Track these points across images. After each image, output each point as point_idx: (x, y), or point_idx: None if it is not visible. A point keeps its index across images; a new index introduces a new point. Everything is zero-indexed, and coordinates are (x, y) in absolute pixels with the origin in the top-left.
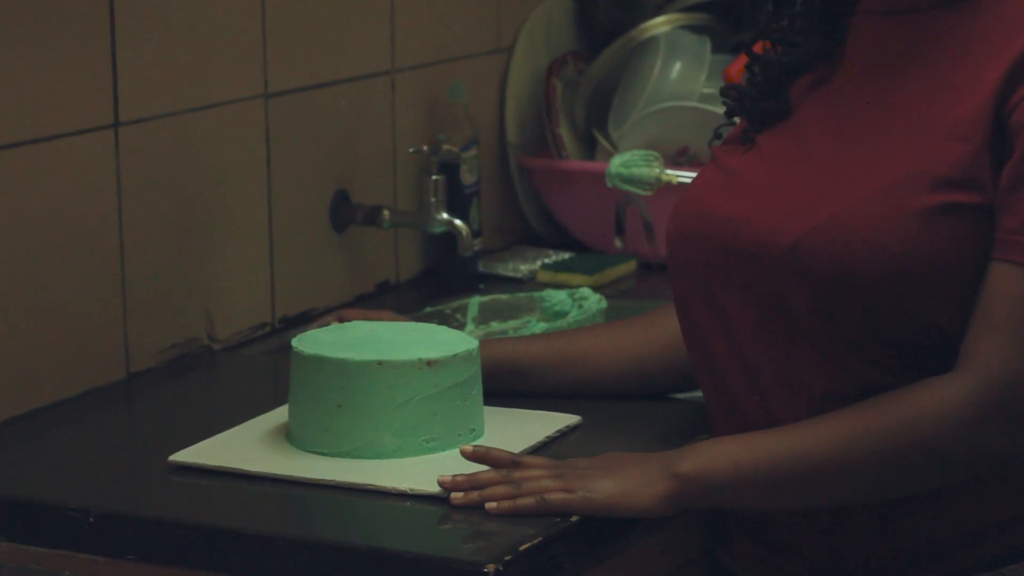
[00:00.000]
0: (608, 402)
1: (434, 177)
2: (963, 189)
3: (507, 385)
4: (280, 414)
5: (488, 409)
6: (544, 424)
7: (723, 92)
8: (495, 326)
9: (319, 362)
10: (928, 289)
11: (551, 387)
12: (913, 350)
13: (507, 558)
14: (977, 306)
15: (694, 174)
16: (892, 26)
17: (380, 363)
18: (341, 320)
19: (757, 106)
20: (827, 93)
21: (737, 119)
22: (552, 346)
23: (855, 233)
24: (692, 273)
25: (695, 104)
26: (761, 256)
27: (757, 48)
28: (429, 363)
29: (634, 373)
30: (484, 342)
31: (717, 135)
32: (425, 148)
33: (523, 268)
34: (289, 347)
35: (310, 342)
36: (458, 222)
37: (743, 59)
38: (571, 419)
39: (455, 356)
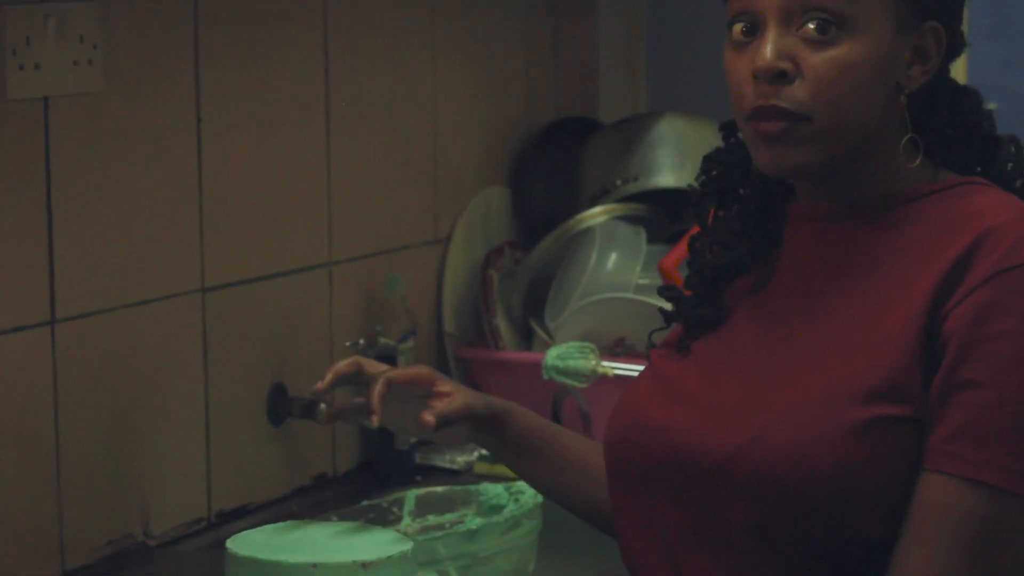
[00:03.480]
0: None
1: None
2: (894, 402)
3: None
4: None
5: None
6: None
7: (661, 292)
8: (432, 519)
9: (253, 564)
10: (861, 501)
11: (548, 477)
12: (846, 560)
13: None
14: (908, 517)
15: (630, 366)
16: (824, 233)
17: (315, 566)
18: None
19: (693, 312)
20: (761, 300)
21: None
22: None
23: (787, 447)
24: (627, 480)
25: (631, 295)
26: (694, 467)
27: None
28: (364, 565)
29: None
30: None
31: (651, 344)
32: (362, 341)
33: (460, 459)
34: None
35: (244, 543)
36: None
37: (678, 250)
38: None
39: (389, 558)
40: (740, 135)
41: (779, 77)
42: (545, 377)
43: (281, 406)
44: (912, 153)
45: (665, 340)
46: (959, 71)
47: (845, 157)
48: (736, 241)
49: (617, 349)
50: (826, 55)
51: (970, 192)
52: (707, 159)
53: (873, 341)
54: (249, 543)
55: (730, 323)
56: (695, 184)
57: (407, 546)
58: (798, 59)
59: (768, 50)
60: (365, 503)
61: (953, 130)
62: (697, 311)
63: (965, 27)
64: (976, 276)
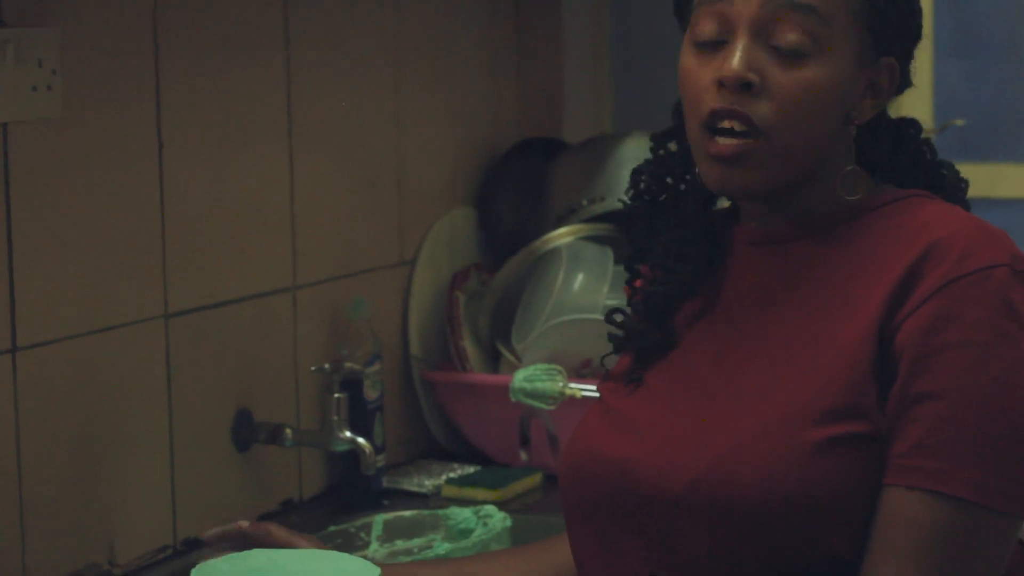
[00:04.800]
0: None
1: (336, 395)
2: (852, 419)
3: None
4: None
5: None
6: None
7: (608, 317)
8: (400, 544)
9: None
10: (826, 520)
11: None
12: None
13: None
14: (874, 532)
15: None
16: (771, 254)
17: None
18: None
19: (644, 339)
20: (711, 324)
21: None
22: (441, 571)
23: (748, 472)
24: (585, 516)
25: (598, 316)
26: (655, 498)
27: (644, 269)
28: None
29: None
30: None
31: (604, 368)
32: (327, 366)
33: (428, 483)
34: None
35: (210, 572)
36: (361, 440)
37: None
38: None
39: None
40: (671, 147)
41: (745, 88)
42: (512, 399)
43: (246, 432)
44: (852, 182)
45: (611, 373)
46: (925, 88)
47: (791, 181)
48: (679, 265)
49: (584, 370)
50: (794, 74)
51: (916, 205)
52: (636, 172)
53: (827, 359)
54: (215, 572)
55: (681, 350)
56: (625, 199)
57: (375, 572)
58: (765, 74)
59: (737, 59)
60: (332, 528)
61: (897, 159)
62: (648, 338)
63: (931, 42)
64: (926, 288)
